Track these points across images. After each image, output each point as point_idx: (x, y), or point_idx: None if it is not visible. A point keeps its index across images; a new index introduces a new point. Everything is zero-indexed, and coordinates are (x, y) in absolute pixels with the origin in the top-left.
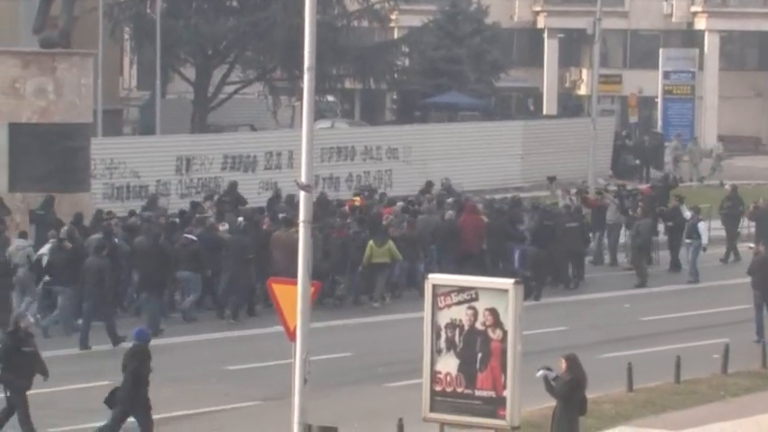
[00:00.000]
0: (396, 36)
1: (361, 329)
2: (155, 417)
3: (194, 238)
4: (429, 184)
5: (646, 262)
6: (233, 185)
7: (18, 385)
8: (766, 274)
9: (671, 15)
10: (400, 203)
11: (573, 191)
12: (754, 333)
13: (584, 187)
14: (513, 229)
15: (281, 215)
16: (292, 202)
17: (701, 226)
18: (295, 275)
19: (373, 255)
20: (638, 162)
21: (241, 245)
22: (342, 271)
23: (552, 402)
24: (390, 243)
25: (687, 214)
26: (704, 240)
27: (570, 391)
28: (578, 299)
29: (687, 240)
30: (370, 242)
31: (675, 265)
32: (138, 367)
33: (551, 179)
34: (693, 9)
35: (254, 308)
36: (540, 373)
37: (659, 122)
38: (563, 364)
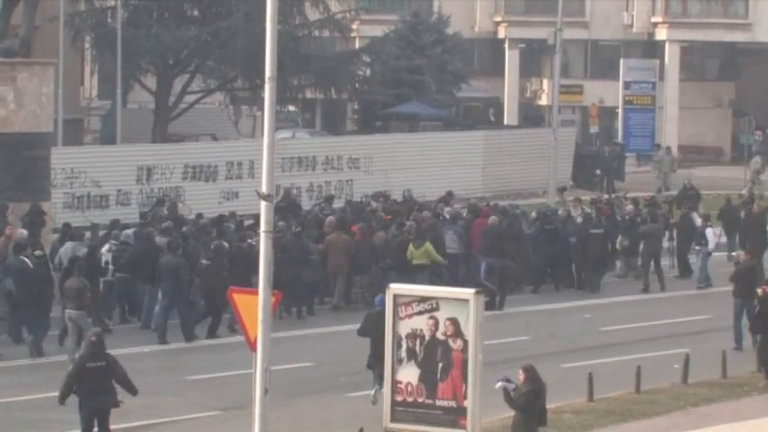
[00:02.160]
0: (357, 46)
1: (322, 339)
2: (114, 427)
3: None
4: (449, 194)
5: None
6: (288, 192)
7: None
8: (749, 282)
9: (632, 26)
10: (426, 212)
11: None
12: (733, 341)
13: (599, 196)
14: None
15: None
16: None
17: (709, 232)
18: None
19: (413, 257)
20: (598, 172)
21: (302, 247)
22: (363, 272)
23: (512, 412)
24: (428, 245)
25: (698, 222)
26: (711, 246)
27: (529, 402)
28: (539, 308)
29: (697, 247)
30: (410, 244)
31: (686, 271)
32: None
33: (562, 189)
34: (654, 20)
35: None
36: (500, 384)
37: (620, 133)
38: (521, 375)
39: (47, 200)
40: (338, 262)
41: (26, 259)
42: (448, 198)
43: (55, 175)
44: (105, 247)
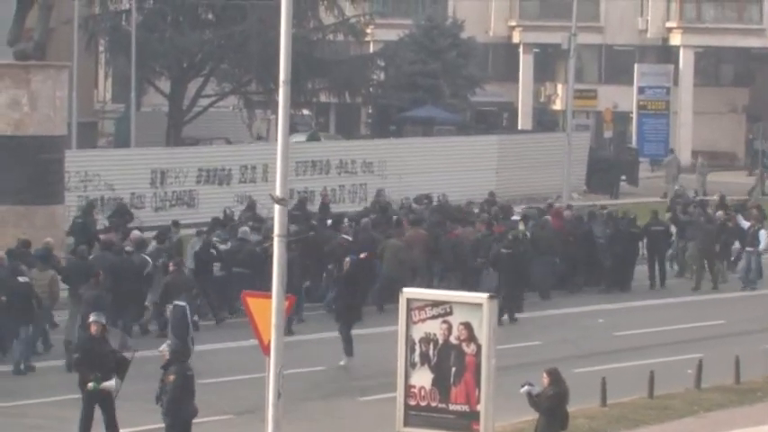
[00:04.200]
0: (371, 50)
1: (335, 343)
2: (125, 430)
3: (350, 238)
4: (492, 195)
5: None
6: (380, 192)
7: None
8: None
9: (646, 31)
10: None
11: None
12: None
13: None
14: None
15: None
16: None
17: (763, 234)
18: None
19: None
20: (624, 178)
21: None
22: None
23: (525, 417)
24: None
25: (745, 224)
26: (763, 246)
27: (554, 406)
28: (551, 313)
29: (749, 249)
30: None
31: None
32: None
33: None
34: (669, 25)
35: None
36: (525, 388)
37: (634, 138)
38: (545, 379)
39: (60, 203)
40: (417, 258)
41: (146, 257)
42: (492, 200)
43: (69, 179)
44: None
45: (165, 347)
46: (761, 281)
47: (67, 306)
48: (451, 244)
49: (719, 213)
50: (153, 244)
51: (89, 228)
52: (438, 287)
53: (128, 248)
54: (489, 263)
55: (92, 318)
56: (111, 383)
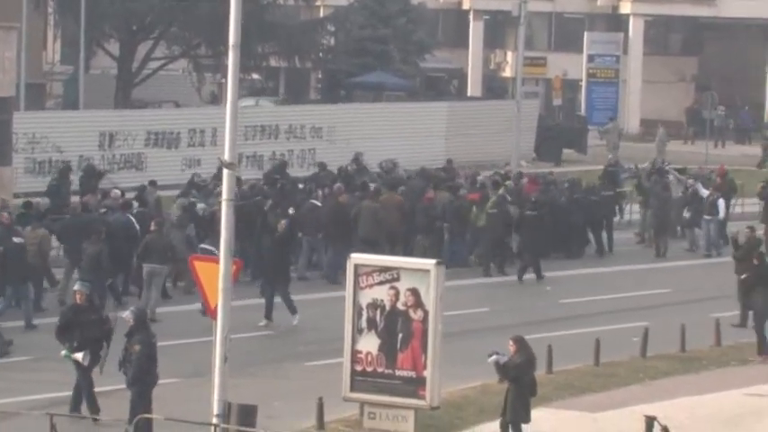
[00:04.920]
0: (322, 15)
1: (281, 308)
2: (66, 395)
3: (319, 203)
4: (450, 162)
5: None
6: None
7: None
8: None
9: None
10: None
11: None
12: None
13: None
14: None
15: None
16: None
17: (721, 203)
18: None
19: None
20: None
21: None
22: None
23: (471, 383)
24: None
25: (704, 192)
26: (721, 215)
27: (522, 372)
28: (499, 281)
29: (707, 217)
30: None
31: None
32: None
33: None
34: None
35: None
36: (493, 357)
37: (583, 106)
38: (512, 347)
39: (8, 165)
40: (393, 222)
41: (131, 217)
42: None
43: (17, 140)
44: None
45: (129, 314)
46: (724, 248)
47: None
48: (424, 208)
49: (690, 181)
50: (135, 204)
51: (64, 190)
52: (408, 251)
53: (103, 209)
54: (513, 225)
55: (76, 286)
56: (78, 355)
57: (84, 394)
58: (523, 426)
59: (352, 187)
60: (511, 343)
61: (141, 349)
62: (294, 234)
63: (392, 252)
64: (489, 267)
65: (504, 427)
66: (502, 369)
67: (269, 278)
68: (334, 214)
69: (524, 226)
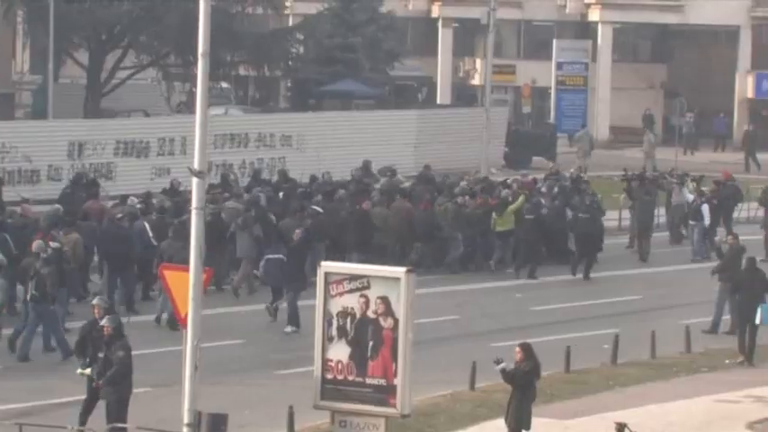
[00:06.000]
0: (291, 23)
1: (254, 316)
2: (40, 403)
3: (320, 210)
4: (428, 168)
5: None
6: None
7: None
8: (737, 266)
9: (565, 7)
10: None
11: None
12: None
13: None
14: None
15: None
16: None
17: (704, 207)
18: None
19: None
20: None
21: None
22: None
23: (441, 391)
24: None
25: (690, 197)
26: (707, 221)
27: (529, 380)
28: (470, 288)
29: (692, 222)
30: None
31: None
32: None
33: None
34: (587, 1)
35: None
36: (501, 366)
37: (552, 113)
38: (518, 354)
39: None
40: (396, 228)
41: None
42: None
43: None
44: None
45: (106, 322)
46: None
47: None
48: (428, 215)
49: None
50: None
51: (77, 198)
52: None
53: (119, 216)
54: (568, 227)
55: (95, 300)
56: (88, 370)
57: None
58: None
59: (358, 194)
60: (518, 350)
61: (124, 356)
62: (310, 243)
63: (402, 258)
64: (520, 271)
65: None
66: (509, 376)
67: (279, 287)
68: (358, 221)
69: (578, 228)
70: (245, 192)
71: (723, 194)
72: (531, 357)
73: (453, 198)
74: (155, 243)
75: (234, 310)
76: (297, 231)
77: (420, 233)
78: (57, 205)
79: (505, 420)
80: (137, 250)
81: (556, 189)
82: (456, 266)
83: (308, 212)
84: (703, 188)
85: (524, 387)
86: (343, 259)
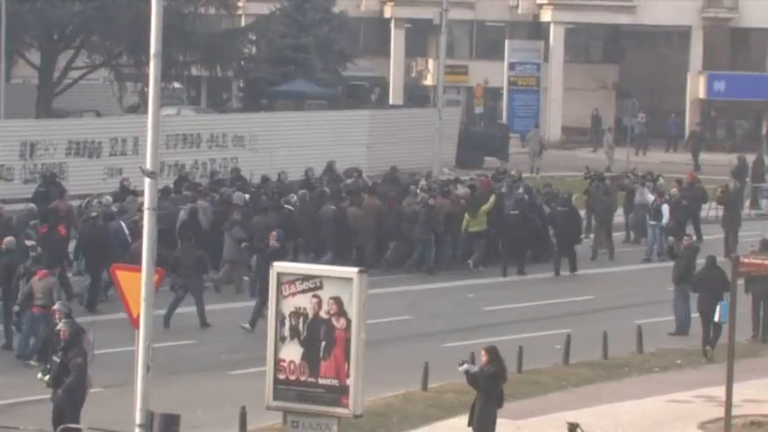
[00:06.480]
0: (243, 23)
1: (206, 316)
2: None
3: (292, 208)
4: (395, 169)
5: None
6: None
7: None
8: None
9: (517, 7)
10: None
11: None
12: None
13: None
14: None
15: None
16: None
17: (664, 207)
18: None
19: (469, 225)
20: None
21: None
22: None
23: (394, 391)
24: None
25: (650, 198)
26: (665, 221)
27: (494, 383)
28: (423, 288)
29: (652, 222)
30: (466, 213)
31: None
32: None
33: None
34: (539, 1)
35: None
36: (464, 367)
37: (504, 113)
38: (484, 357)
39: None
40: (369, 226)
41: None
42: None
43: None
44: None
45: (63, 326)
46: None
47: None
48: (393, 214)
49: (674, 190)
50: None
51: (50, 196)
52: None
53: (93, 215)
54: (548, 222)
55: (56, 306)
56: (47, 377)
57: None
58: None
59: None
60: (483, 353)
61: (82, 361)
62: (286, 248)
63: (374, 256)
64: (507, 268)
65: None
66: (473, 379)
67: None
68: (336, 222)
69: (555, 222)
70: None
71: (689, 196)
72: (495, 360)
73: (423, 198)
74: (130, 241)
75: (184, 311)
76: (272, 234)
77: (388, 231)
78: (31, 204)
79: (469, 423)
80: (113, 249)
81: (521, 188)
82: (416, 268)
83: (283, 211)
84: (673, 189)
85: (488, 390)
86: (316, 259)
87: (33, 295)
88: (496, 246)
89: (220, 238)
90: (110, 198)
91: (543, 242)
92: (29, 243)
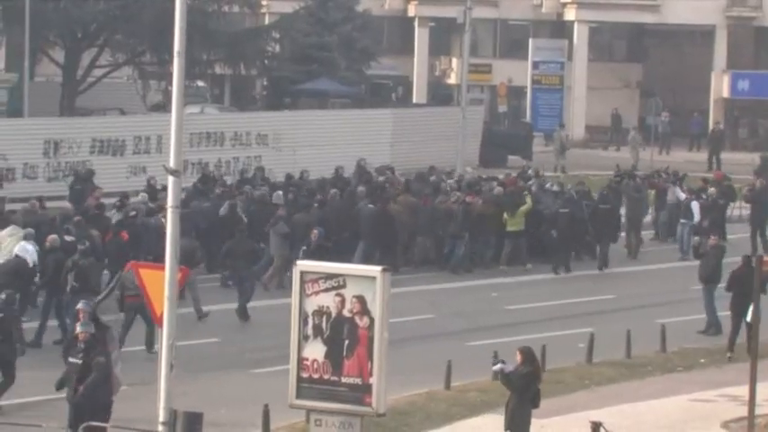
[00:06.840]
0: (267, 22)
1: (228, 315)
2: (11, 402)
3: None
4: (433, 168)
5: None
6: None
7: None
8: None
9: (541, 6)
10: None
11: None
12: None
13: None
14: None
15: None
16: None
17: (694, 205)
18: None
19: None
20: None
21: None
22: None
23: (415, 390)
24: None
25: (682, 195)
26: (696, 218)
27: (527, 384)
28: (445, 287)
29: (683, 220)
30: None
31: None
32: None
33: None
34: (563, 0)
35: None
36: (498, 366)
37: (528, 112)
38: (518, 357)
39: None
40: (404, 223)
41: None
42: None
43: None
44: None
45: (80, 328)
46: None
47: None
48: (428, 211)
49: (711, 190)
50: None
51: (86, 194)
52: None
53: (132, 213)
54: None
55: (79, 305)
56: None
57: None
58: None
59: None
60: (518, 353)
61: (104, 361)
62: (327, 244)
63: (405, 254)
64: (559, 267)
65: None
66: (506, 379)
67: None
68: (381, 219)
69: (558, 222)
70: (236, 190)
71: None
72: (529, 361)
73: (459, 197)
74: None
75: (215, 308)
76: (314, 232)
77: (423, 228)
78: (67, 203)
79: (506, 427)
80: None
81: (555, 186)
82: (459, 267)
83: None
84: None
85: (521, 391)
86: (350, 258)
87: (125, 286)
88: (533, 245)
89: (256, 237)
90: (146, 195)
91: (585, 240)
92: (68, 239)
